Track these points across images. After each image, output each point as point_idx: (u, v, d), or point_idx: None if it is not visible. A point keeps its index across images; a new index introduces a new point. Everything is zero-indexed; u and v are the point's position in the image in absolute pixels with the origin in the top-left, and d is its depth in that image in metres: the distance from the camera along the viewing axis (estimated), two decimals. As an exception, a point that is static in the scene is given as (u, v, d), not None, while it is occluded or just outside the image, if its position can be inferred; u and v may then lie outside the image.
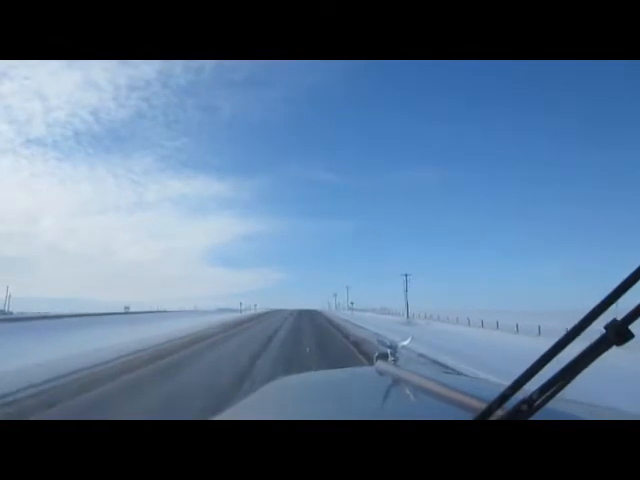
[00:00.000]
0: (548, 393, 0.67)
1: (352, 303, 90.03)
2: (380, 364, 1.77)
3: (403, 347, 1.93)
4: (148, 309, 62.22)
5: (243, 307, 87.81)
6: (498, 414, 0.72)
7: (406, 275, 64.15)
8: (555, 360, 0.67)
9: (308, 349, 14.81)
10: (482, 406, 0.77)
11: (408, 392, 1.41)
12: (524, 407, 0.69)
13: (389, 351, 1.86)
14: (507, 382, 0.74)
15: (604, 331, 0.64)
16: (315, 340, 19.67)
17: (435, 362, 11.35)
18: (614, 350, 0.63)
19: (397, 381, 1.52)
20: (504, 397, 0.72)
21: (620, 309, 0.67)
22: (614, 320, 0.63)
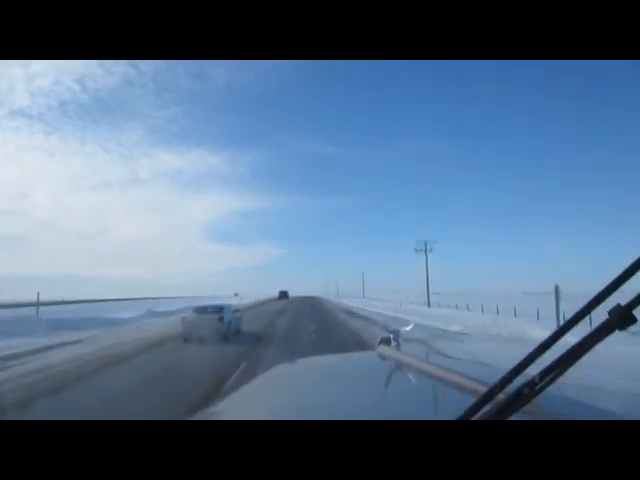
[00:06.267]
0: (550, 377, 0.68)
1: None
2: (382, 349, 1.80)
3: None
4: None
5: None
6: (500, 398, 0.72)
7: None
8: (558, 344, 0.68)
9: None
10: (483, 389, 0.77)
11: (410, 376, 1.43)
12: (526, 390, 0.69)
13: (391, 336, 1.88)
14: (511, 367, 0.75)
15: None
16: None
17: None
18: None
19: (399, 366, 1.54)
20: (506, 380, 0.72)
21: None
22: (618, 305, 0.63)
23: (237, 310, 17.55)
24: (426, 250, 46.91)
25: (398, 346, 1.80)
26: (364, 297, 78.74)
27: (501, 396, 0.73)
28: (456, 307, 34.81)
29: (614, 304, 0.65)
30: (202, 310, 15.19)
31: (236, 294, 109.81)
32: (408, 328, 2.05)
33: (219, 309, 15.12)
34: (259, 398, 1.51)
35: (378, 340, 1.90)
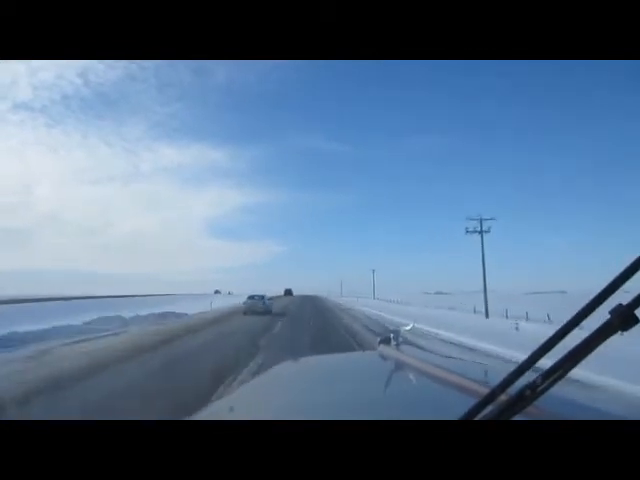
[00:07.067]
0: (552, 379, 0.67)
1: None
2: (383, 348, 1.79)
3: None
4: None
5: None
6: (501, 399, 0.72)
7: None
8: (559, 346, 0.67)
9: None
10: (484, 391, 0.77)
11: (410, 377, 1.43)
12: (528, 392, 0.68)
13: (392, 335, 1.88)
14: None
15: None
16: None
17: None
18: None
19: (399, 365, 1.53)
20: (507, 381, 0.72)
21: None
22: (619, 305, 0.62)
23: (271, 298, 31.31)
24: (482, 231, 31.04)
25: (398, 346, 1.80)
26: (375, 298, 71.64)
27: (503, 397, 0.72)
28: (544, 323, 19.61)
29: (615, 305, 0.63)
30: (252, 297, 27.92)
31: (217, 291, 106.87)
32: (408, 328, 2.04)
33: (262, 297, 28.01)
34: (259, 397, 1.51)
35: (378, 340, 1.90)
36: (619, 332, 0.63)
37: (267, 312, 25.84)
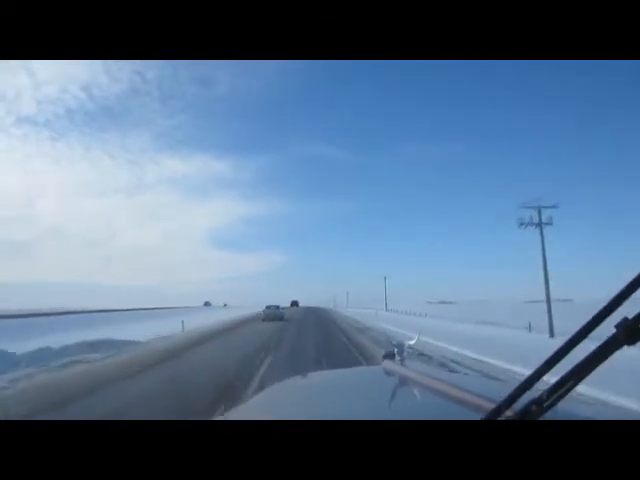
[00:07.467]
0: (558, 394, 0.66)
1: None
2: (387, 363, 1.77)
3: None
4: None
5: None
6: (507, 414, 0.71)
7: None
8: (565, 360, 0.66)
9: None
10: (490, 406, 0.77)
11: (415, 392, 1.41)
12: (533, 407, 0.68)
13: (395, 350, 1.85)
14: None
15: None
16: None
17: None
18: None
19: (404, 381, 1.51)
20: (513, 397, 0.71)
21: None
22: (625, 318, 0.61)
23: (283, 308, 38.15)
24: (540, 223, 22.24)
25: (402, 361, 1.77)
26: (388, 310, 64.48)
27: (509, 413, 0.72)
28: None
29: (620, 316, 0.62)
30: (269, 307, 35.23)
31: (207, 303, 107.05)
32: (412, 342, 2.01)
33: (277, 307, 35.73)
34: (261, 412, 1.49)
35: (382, 355, 1.88)
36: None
37: (280, 318, 32.70)
